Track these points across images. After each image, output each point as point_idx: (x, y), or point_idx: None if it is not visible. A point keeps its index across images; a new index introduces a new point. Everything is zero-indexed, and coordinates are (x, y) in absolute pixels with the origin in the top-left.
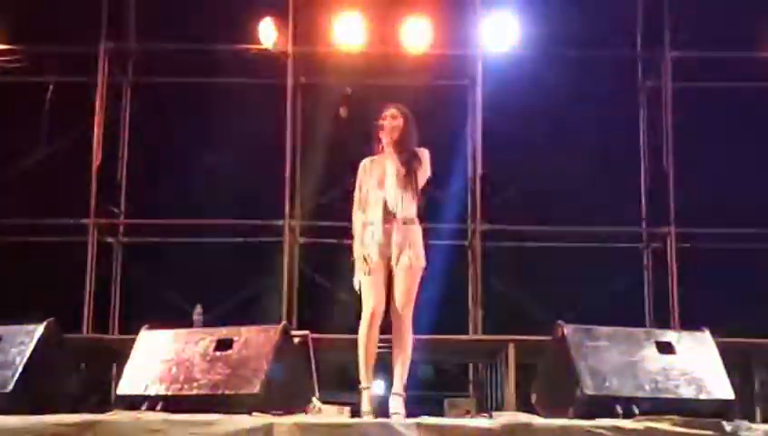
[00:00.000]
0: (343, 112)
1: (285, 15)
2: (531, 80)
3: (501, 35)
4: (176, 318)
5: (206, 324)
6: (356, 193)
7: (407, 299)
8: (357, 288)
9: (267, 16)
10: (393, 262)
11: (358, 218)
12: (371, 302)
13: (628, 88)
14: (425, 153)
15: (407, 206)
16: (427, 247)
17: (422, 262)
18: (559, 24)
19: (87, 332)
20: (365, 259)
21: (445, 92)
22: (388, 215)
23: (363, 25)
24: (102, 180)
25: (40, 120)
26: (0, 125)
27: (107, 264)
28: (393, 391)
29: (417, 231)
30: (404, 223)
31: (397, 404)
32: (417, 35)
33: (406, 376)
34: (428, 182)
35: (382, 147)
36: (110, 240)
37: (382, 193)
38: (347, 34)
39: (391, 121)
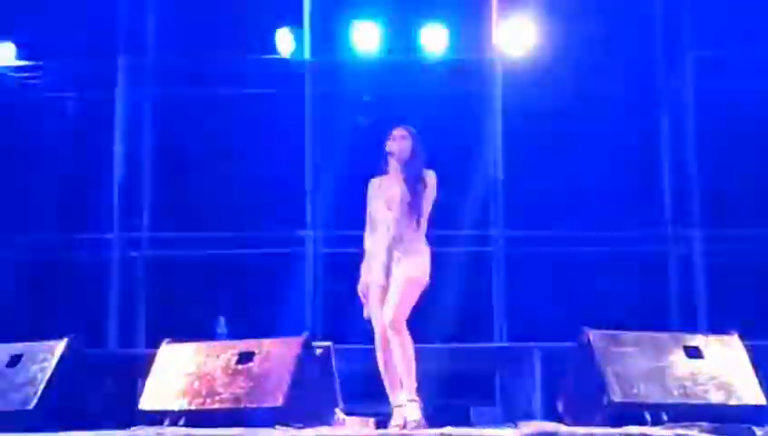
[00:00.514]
0: (362, 120)
1: (302, 24)
2: (550, 83)
3: (519, 39)
4: (200, 331)
5: (230, 337)
6: (366, 213)
7: (394, 311)
8: (366, 317)
9: (284, 26)
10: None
11: (367, 239)
12: (378, 328)
13: (650, 89)
14: (431, 176)
15: (412, 231)
16: (448, 255)
17: (419, 275)
18: (577, 26)
19: (113, 347)
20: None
21: (464, 97)
22: (394, 238)
23: (380, 33)
24: (124, 194)
25: (62, 135)
26: (22, 142)
27: (132, 278)
28: (407, 398)
29: (419, 250)
30: (408, 247)
31: (412, 410)
32: (434, 41)
33: (412, 381)
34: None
35: (390, 166)
36: (134, 254)
37: (389, 216)
38: (364, 41)
39: (400, 142)
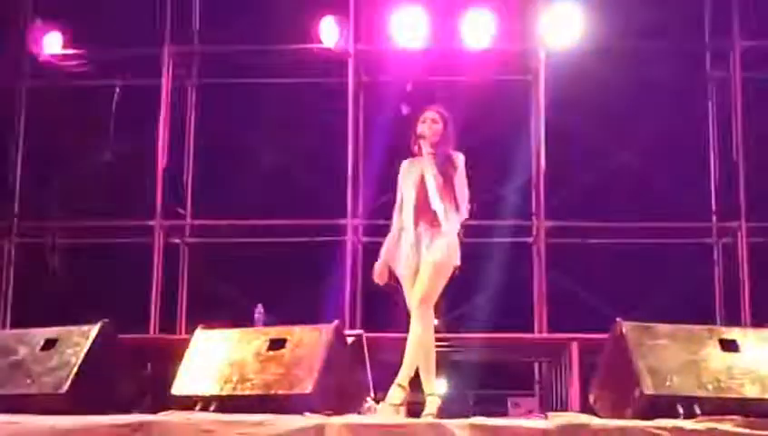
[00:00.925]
0: (405, 109)
1: (346, 14)
2: (595, 74)
3: (564, 29)
4: (240, 318)
5: (268, 324)
6: (397, 195)
7: (421, 294)
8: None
9: (328, 15)
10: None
11: (396, 220)
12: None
13: (696, 79)
14: (460, 158)
15: (444, 212)
16: (490, 245)
17: (448, 259)
18: (623, 15)
19: (154, 333)
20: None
21: (507, 87)
22: (422, 218)
23: (424, 22)
24: (167, 181)
25: (107, 123)
26: (68, 129)
27: (174, 265)
28: (426, 392)
29: (449, 233)
30: (438, 228)
31: (430, 406)
32: (478, 31)
33: (431, 376)
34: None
35: (420, 148)
36: (176, 241)
37: (418, 198)
38: (408, 30)
39: (432, 124)
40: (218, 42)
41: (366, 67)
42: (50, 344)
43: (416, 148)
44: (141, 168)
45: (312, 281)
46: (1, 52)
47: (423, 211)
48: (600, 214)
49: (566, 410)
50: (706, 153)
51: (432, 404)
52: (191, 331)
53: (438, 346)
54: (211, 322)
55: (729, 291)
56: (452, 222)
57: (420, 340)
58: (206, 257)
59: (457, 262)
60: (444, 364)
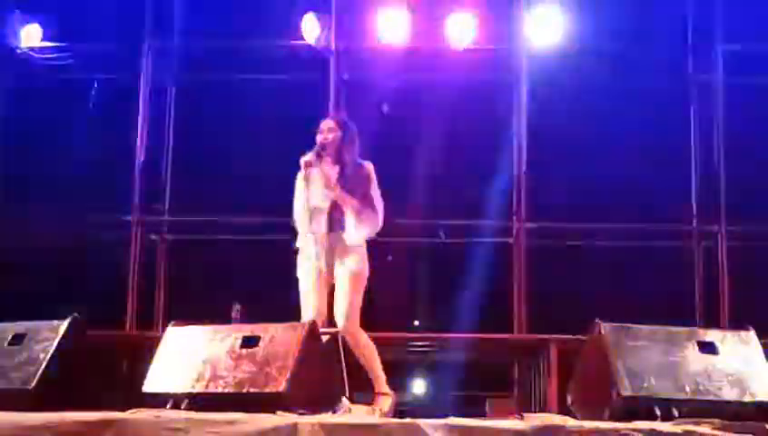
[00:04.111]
0: (386, 108)
1: (328, 11)
2: (577, 75)
3: (547, 30)
4: (218, 316)
5: (245, 322)
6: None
7: (346, 312)
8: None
9: (310, 12)
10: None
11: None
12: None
13: (678, 82)
14: (366, 166)
15: (346, 220)
16: (470, 245)
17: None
18: (606, 17)
19: (130, 330)
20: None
21: (489, 88)
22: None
23: (407, 21)
24: (145, 177)
25: (85, 118)
26: (45, 124)
27: (151, 261)
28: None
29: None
30: (343, 236)
31: (383, 403)
32: (461, 31)
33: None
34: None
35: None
36: (154, 237)
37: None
38: (391, 29)
39: (328, 134)
40: (198, 37)
41: (347, 65)
42: (18, 339)
43: (319, 158)
44: (119, 164)
45: (289, 279)
46: None
47: (334, 220)
48: (581, 216)
49: (544, 410)
50: (687, 157)
51: (385, 402)
52: (165, 328)
53: (417, 347)
54: (188, 320)
55: (708, 293)
56: (360, 232)
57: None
58: (184, 254)
59: (367, 272)
60: (423, 365)
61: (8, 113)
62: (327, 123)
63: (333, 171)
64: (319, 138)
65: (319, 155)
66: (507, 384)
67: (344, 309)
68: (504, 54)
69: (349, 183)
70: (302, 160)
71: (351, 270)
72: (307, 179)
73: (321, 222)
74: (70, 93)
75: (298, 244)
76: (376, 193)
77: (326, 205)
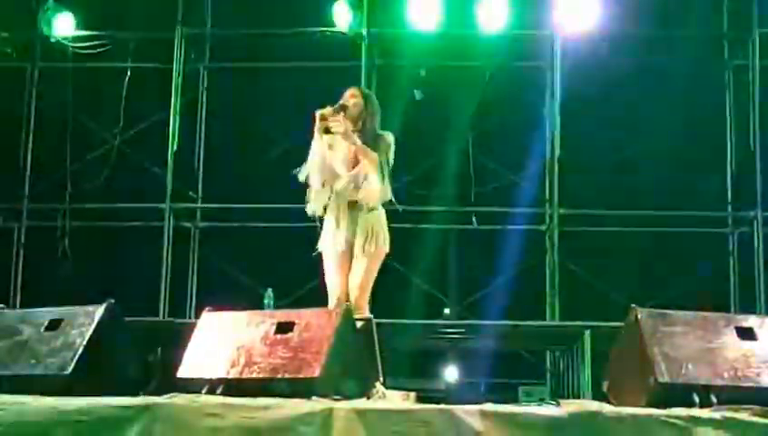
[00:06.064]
0: (418, 94)
1: None
2: (610, 61)
3: (579, 15)
4: (250, 302)
5: (277, 308)
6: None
7: (359, 288)
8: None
9: None
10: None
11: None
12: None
13: (714, 67)
14: (386, 137)
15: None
16: (503, 232)
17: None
18: (639, 2)
19: (164, 317)
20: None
21: (521, 73)
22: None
23: (439, 6)
24: (178, 165)
25: (119, 105)
26: (80, 111)
27: (184, 248)
28: None
29: (378, 215)
30: (363, 207)
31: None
32: (493, 16)
33: None
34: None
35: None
36: (187, 224)
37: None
38: (422, 15)
39: (350, 99)
40: (230, 25)
41: (379, 51)
42: (54, 325)
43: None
44: (152, 151)
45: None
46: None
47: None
48: (614, 202)
49: (578, 398)
50: (723, 143)
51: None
52: (200, 315)
53: (449, 333)
54: (221, 307)
55: (743, 280)
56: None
57: None
58: (217, 241)
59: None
60: (456, 352)
61: (43, 100)
62: (351, 91)
63: (355, 139)
64: (344, 104)
65: (336, 112)
66: (540, 372)
67: (358, 280)
68: (536, 39)
69: (374, 151)
70: (318, 112)
71: (370, 243)
72: (331, 146)
73: (342, 191)
74: (104, 80)
75: (313, 208)
76: (388, 166)
77: (345, 172)
